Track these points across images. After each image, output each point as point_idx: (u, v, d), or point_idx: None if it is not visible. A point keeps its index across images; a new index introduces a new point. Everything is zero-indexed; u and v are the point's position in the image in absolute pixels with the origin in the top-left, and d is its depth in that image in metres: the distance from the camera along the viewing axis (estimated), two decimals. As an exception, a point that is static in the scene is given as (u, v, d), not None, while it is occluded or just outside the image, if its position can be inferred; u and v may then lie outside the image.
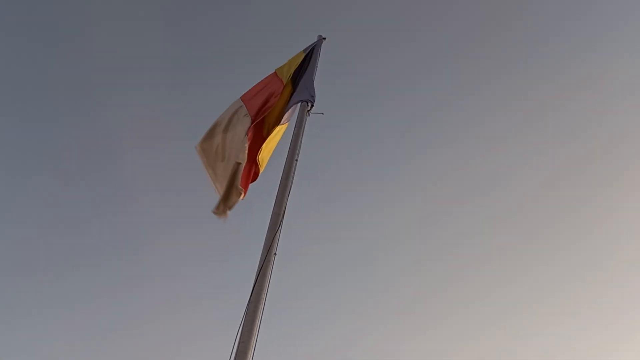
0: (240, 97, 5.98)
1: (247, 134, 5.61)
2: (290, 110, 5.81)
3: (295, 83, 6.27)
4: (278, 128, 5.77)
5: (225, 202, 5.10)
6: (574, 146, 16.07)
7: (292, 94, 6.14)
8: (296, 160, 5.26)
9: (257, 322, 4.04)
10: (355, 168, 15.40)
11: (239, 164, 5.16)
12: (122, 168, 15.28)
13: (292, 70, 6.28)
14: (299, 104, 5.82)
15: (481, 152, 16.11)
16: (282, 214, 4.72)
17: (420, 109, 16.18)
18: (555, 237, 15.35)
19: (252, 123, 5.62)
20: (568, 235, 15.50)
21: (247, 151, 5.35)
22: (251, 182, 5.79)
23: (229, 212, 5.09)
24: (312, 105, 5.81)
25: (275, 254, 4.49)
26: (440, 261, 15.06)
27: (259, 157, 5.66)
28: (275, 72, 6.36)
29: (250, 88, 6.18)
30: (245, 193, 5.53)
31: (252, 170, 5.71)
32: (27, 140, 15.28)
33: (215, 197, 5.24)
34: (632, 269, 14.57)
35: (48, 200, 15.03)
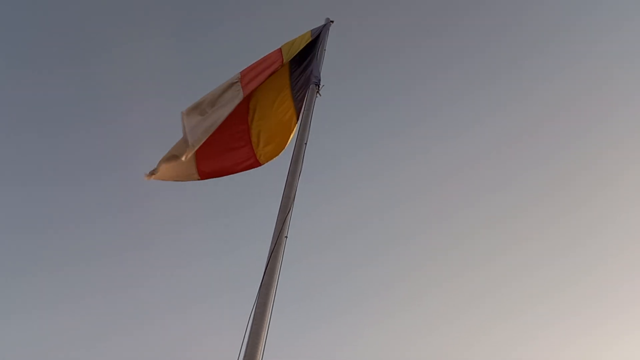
0: (240, 72, 5.90)
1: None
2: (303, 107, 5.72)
3: (298, 66, 6.18)
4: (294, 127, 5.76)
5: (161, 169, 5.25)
6: (575, 148, 16.01)
7: (292, 81, 6.07)
8: (305, 143, 5.23)
9: (270, 305, 4.11)
10: (362, 163, 15.33)
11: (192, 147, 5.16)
12: (122, 122, 14.88)
13: (294, 51, 6.14)
14: (308, 89, 5.73)
15: (488, 153, 16.07)
16: (292, 197, 4.75)
17: (425, 107, 16.05)
18: (555, 239, 15.44)
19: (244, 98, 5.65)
20: (568, 236, 15.55)
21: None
22: (254, 167, 5.83)
23: (152, 177, 5.31)
24: (318, 86, 5.71)
25: (286, 237, 4.54)
26: (445, 258, 15.11)
27: (257, 142, 5.69)
28: (280, 48, 6.27)
29: (252, 63, 6.07)
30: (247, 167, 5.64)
31: (247, 153, 5.75)
32: (21, 91, 14.58)
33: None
34: (633, 269, 14.63)
35: (44, 157, 14.68)
